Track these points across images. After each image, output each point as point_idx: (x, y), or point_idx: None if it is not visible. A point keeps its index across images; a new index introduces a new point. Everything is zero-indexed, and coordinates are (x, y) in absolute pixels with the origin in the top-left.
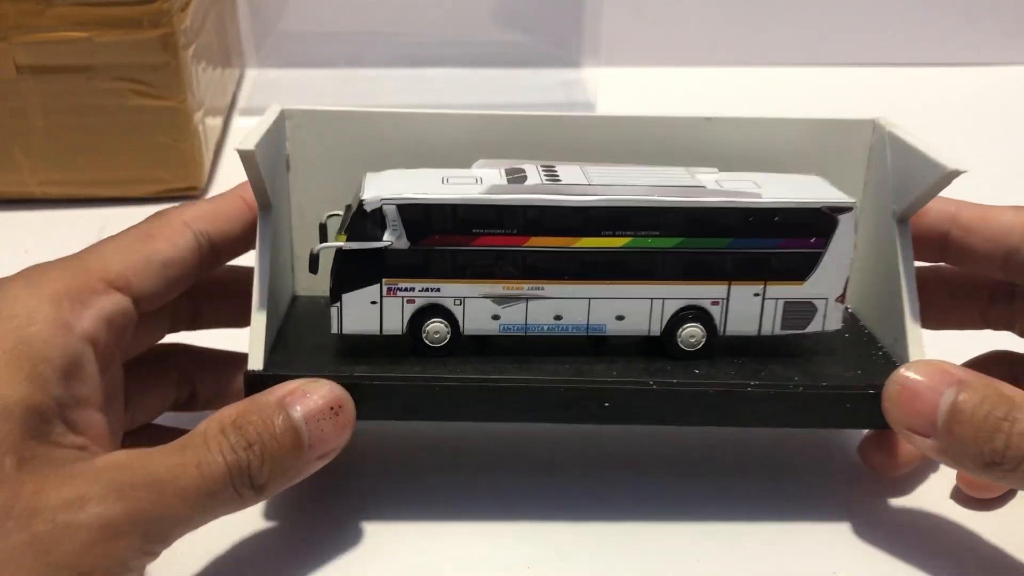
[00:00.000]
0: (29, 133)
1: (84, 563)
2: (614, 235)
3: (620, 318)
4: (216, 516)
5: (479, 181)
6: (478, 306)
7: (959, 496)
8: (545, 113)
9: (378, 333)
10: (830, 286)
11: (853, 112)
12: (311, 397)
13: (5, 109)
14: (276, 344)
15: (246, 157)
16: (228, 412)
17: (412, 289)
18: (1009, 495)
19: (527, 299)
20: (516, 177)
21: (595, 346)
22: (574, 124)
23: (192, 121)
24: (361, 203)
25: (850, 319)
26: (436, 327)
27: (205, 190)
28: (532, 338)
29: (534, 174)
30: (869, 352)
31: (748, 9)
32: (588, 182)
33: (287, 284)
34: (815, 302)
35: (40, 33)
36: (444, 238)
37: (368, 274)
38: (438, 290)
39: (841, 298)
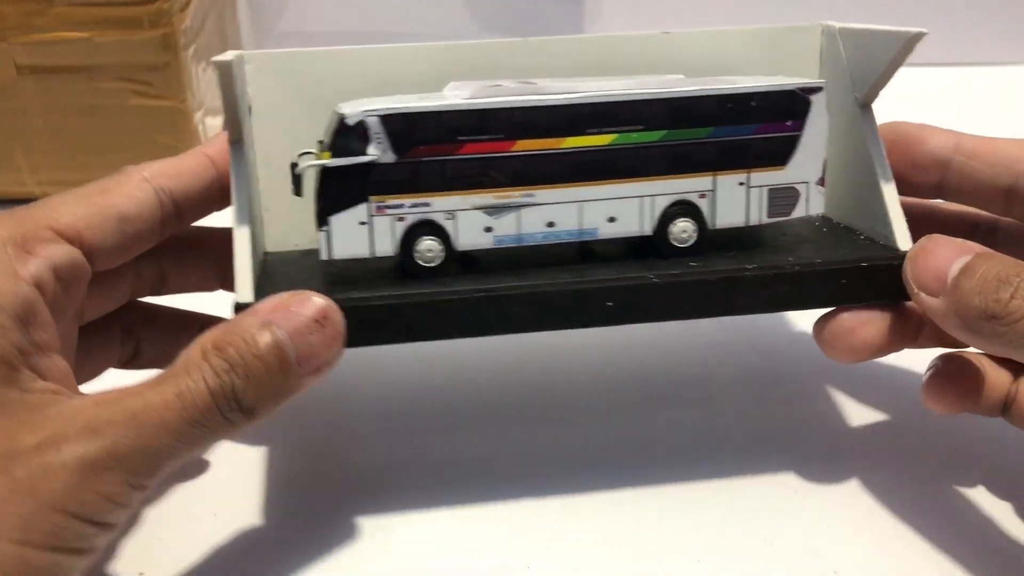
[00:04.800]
0: (29, 133)
1: (69, 502)
2: (599, 132)
3: (612, 220)
4: (209, 443)
5: (456, 97)
6: (470, 219)
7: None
8: (509, 39)
9: (368, 255)
10: (809, 169)
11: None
12: (294, 311)
13: (5, 109)
14: (259, 285)
15: (223, 69)
16: (209, 336)
17: (401, 206)
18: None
19: (519, 207)
20: (491, 86)
21: (582, 257)
22: (539, 48)
23: (192, 121)
24: (342, 118)
25: (823, 221)
26: (428, 244)
27: None
28: (521, 255)
29: (511, 84)
30: (851, 238)
31: (744, 10)
32: (567, 88)
33: (258, 240)
34: (797, 187)
35: (40, 33)
36: (430, 148)
37: (355, 193)
38: (428, 205)
39: (821, 181)
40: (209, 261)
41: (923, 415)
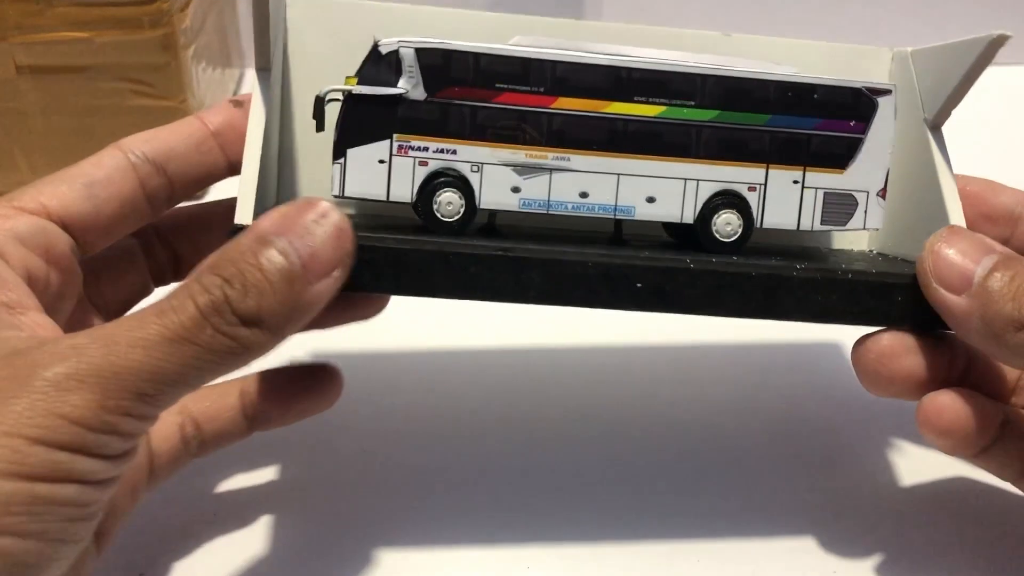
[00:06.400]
0: (29, 133)
1: (27, 426)
2: (648, 102)
3: (651, 200)
4: (217, 367)
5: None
6: (497, 175)
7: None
8: (569, 20)
9: (384, 199)
10: (871, 177)
11: None
12: (291, 217)
13: (5, 109)
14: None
15: None
16: (205, 261)
17: (426, 149)
18: (994, 451)
19: (551, 170)
20: (548, 42)
21: (614, 243)
22: (596, 32)
23: None
24: (376, 45)
25: (880, 254)
26: (449, 197)
27: (205, 190)
28: (548, 230)
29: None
30: (910, 266)
31: (741, 12)
32: (621, 51)
33: (271, 187)
34: (856, 195)
35: (40, 33)
36: (464, 91)
37: (378, 127)
38: (454, 152)
39: (882, 192)
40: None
41: (965, 486)
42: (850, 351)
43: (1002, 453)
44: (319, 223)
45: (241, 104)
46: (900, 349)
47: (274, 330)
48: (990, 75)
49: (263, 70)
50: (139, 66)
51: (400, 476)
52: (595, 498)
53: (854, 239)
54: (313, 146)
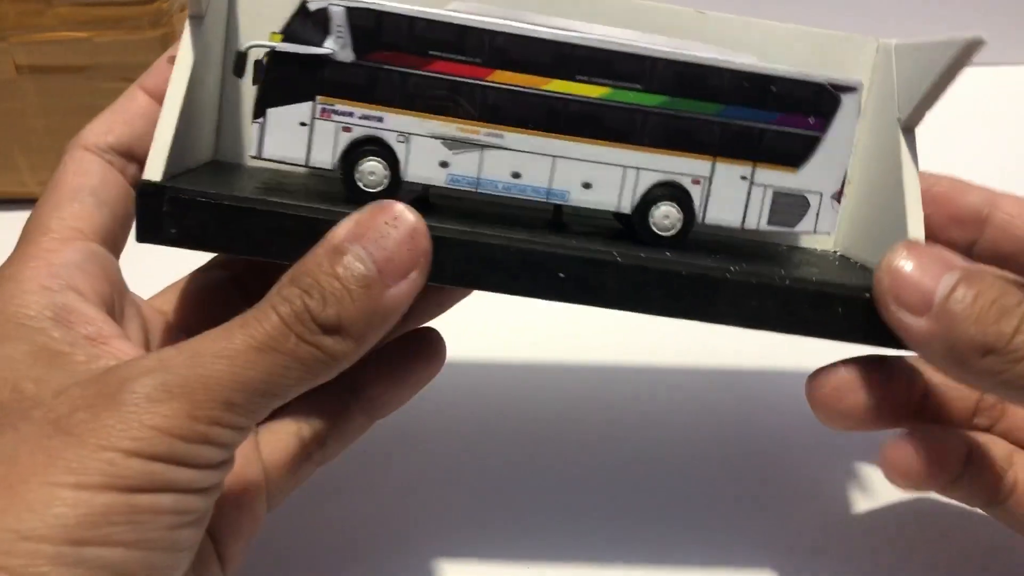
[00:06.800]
0: (28, 133)
1: (119, 439)
2: (591, 82)
3: (587, 186)
4: (303, 376)
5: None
6: (425, 147)
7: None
8: None
9: (303, 163)
10: (826, 179)
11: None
12: (365, 223)
13: (5, 109)
14: (181, 177)
15: None
16: (283, 276)
17: (351, 115)
18: (961, 483)
19: (483, 147)
20: (487, 8)
21: (551, 229)
22: (563, 4)
23: None
24: (304, 1)
25: (839, 258)
26: (372, 166)
27: None
28: (479, 204)
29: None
30: (864, 274)
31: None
32: (568, 26)
33: (206, 143)
34: (808, 196)
35: (40, 33)
36: (395, 56)
37: (301, 87)
38: (380, 120)
39: (838, 195)
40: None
41: (932, 510)
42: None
43: (968, 483)
44: (393, 226)
45: None
46: (854, 384)
47: (357, 337)
48: (990, 75)
49: (195, 17)
50: (139, 66)
51: (399, 480)
52: (556, 525)
53: (820, 238)
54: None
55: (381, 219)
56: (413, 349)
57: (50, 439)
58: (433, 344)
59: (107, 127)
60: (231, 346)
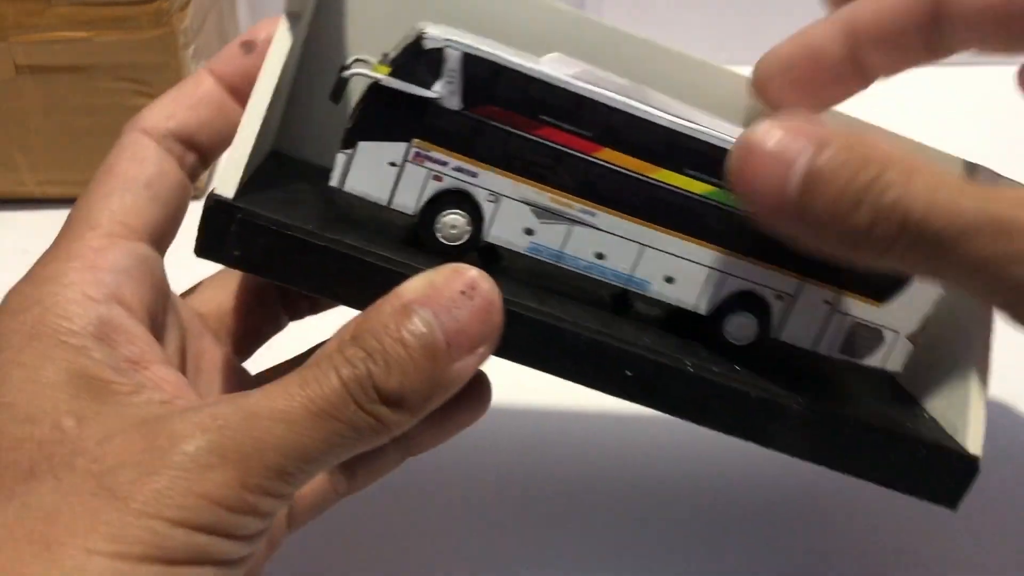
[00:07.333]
0: (28, 133)
1: (166, 507)
2: (699, 177)
3: (669, 280)
4: (354, 446)
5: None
6: (514, 211)
7: None
8: (625, 30)
9: (384, 203)
10: (907, 319)
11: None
12: (438, 287)
13: (4, 109)
14: (249, 184)
15: None
16: (346, 328)
17: (445, 164)
18: None
19: (573, 222)
20: (604, 78)
21: (617, 306)
22: (644, 55)
23: None
24: (421, 36)
25: (888, 378)
26: (455, 219)
27: (204, 190)
28: (549, 275)
29: (623, 82)
30: (917, 414)
31: (741, 9)
32: (687, 109)
33: (269, 135)
34: (885, 332)
35: (40, 33)
36: (503, 113)
37: (399, 126)
38: (475, 175)
39: (914, 337)
40: None
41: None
42: None
43: None
44: (468, 296)
45: (252, 49)
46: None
47: (415, 410)
48: (990, 75)
49: (292, 15)
50: (139, 66)
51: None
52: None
53: None
54: (328, 117)
55: (457, 286)
56: (460, 392)
57: (94, 497)
58: (480, 388)
59: (169, 111)
60: (288, 408)
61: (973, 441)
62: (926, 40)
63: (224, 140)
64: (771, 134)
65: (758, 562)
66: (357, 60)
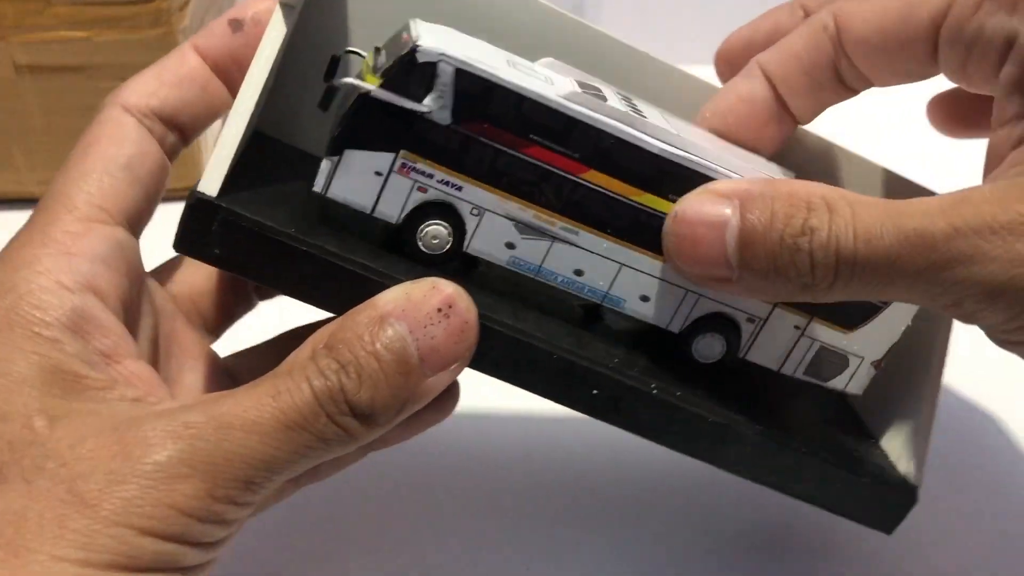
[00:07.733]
0: (28, 133)
1: (135, 516)
2: None
3: (644, 299)
4: (321, 455)
5: (550, 82)
6: (496, 225)
7: None
8: (620, 39)
9: (368, 211)
10: (873, 347)
11: (851, 116)
12: (415, 301)
13: (4, 109)
14: (232, 176)
15: None
16: (320, 334)
17: (431, 176)
18: None
19: (554, 238)
20: (593, 94)
21: (588, 317)
22: (641, 66)
23: None
24: (415, 49)
25: (841, 407)
26: (437, 230)
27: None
28: (525, 284)
29: (614, 99)
30: (864, 440)
31: (743, 17)
32: (675, 132)
33: (253, 119)
34: (851, 357)
35: (39, 33)
36: (493, 130)
37: (387, 137)
38: (459, 189)
39: (877, 364)
40: None
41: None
42: None
43: None
44: (445, 315)
45: (240, 27)
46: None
47: (384, 423)
48: None
49: (287, 6)
50: (139, 66)
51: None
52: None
53: None
54: (313, 99)
55: (434, 303)
56: None
57: (63, 504)
58: (448, 391)
59: (152, 88)
60: (260, 419)
61: (915, 471)
62: (836, 77)
63: (206, 120)
64: (695, 203)
65: (758, 562)
66: (348, 52)
